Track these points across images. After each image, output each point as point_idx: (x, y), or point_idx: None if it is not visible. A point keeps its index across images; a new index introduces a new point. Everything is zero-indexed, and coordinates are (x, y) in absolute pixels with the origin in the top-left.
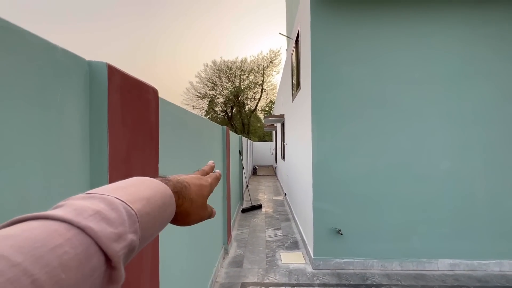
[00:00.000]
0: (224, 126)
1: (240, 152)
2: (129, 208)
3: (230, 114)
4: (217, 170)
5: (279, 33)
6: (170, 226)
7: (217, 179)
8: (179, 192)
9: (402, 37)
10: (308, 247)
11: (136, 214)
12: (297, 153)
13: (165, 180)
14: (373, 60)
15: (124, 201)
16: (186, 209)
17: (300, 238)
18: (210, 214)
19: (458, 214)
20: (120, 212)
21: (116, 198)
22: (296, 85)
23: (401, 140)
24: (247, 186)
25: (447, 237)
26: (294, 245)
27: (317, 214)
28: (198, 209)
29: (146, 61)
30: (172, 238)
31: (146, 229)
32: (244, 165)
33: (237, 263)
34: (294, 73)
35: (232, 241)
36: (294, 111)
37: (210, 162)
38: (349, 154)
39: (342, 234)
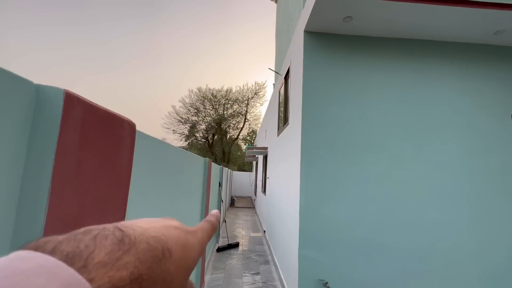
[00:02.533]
0: (207, 159)
1: (220, 184)
2: None
3: (211, 141)
4: (214, 211)
5: (269, 68)
6: None
7: (214, 229)
8: (149, 274)
9: (391, 84)
10: None
11: None
12: (281, 190)
13: (84, 246)
14: (362, 103)
15: None
16: None
17: (280, 287)
18: None
19: (447, 267)
20: None
21: None
22: (284, 120)
23: (389, 185)
24: (225, 220)
25: None
26: None
27: (303, 263)
28: None
29: (128, 83)
30: None
31: None
32: (223, 197)
33: None
34: (282, 107)
35: None
36: (280, 145)
37: (214, 212)
38: (338, 198)
39: None
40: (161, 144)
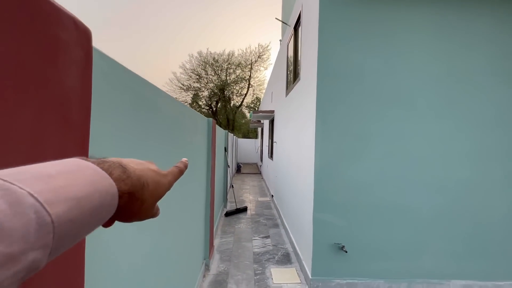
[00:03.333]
0: (210, 119)
1: (225, 149)
2: (45, 213)
3: (214, 108)
4: (183, 159)
5: (276, 18)
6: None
7: (181, 173)
8: (134, 193)
9: (422, 26)
10: (303, 263)
11: (52, 222)
12: (291, 153)
13: (112, 168)
14: (388, 51)
15: (41, 201)
16: (133, 210)
17: (292, 250)
18: (153, 215)
19: (474, 230)
20: (26, 219)
21: (30, 194)
22: (293, 77)
23: (414, 143)
24: (232, 186)
25: (460, 255)
26: (285, 258)
27: (318, 227)
28: (146, 211)
29: (130, 49)
30: (131, 249)
31: (64, 238)
32: (229, 163)
33: (220, 283)
34: (291, 64)
35: (215, 253)
36: (289, 105)
37: (184, 160)
38: (357, 158)
39: (346, 252)
40: (149, 87)
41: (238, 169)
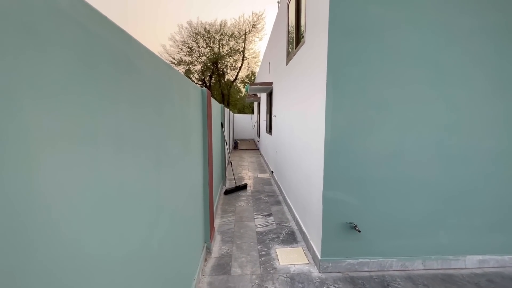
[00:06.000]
0: (205, 89)
1: (222, 125)
2: None
3: (208, 83)
4: None
5: None
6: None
7: None
8: None
9: None
10: (311, 242)
11: None
12: (295, 127)
13: None
14: (412, 1)
15: None
16: None
17: (296, 227)
18: None
19: (495, 204)
20: None
21: None
22: (296, 41)
23: (439, 111)
24: (230, 163)
25: (477, 229)
26: (291, 237)
27: (328, 206)
28: None
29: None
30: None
31: None
32: (227, 139)
33: (223, 266)
34: (292, 27)
35: (216, 234)
36: (290, 74)
37: None
38: (373, 128)
39: (360, 232)
40: (115, 30)
41: (235, 145)
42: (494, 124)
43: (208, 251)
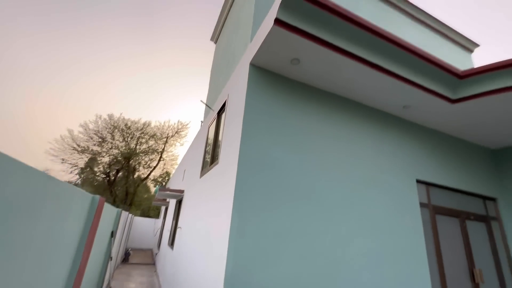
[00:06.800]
0: (97, 197)
1: (112, 234)
2: None
3: (113, 178)
4: None
5: (201, 101)
6: None
7: None
8: None
9: (330, 134)
10: None
11: None
12: (198, 246)
13: None
14: (302, 150)
15: None
16: None
17: None
18: None
19: None
20: None
21: None
22: (211, 159)
23: (326, 243)
24: (109, 287)
25: None
26: None
27: None
28: None
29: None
30: None
31: None
32: (113, 253)
33: None
34: (210, 146)
35: None
36: (202, 189)
37: None
38: (274, 259)
39: None
40: None
41: (126, 257)
42: (364, 258)
43: None
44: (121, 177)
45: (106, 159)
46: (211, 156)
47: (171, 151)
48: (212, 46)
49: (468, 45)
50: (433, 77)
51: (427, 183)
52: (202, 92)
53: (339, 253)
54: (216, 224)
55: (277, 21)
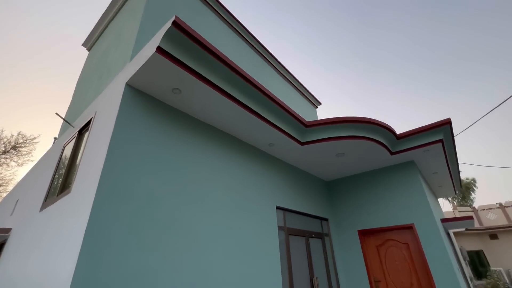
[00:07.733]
0: None
1: None
2: None
3: None
4: None
5: (56, 113)
6: None
7: None
8: None
9: (206, 164)
10: None
11: None
12: None
13: None
14: (178, 178)
15: None
16: None
17: None
18: None
19: None
20: None
21: None
22: (61, 188)
23: (199, 274)
24: None
25: None
26: None
27: None
28: None
29: None
30: None
31: None
32: None
33: None
34: (63, 170)
35: None
36: (43, 226)
37: None
38: None
39: None
40: None
41: None
42: (237, 280)
43: None
44: None
45: None
46: (63, 183)
47: (2, 173)
48: (84, 52)
49: (314, 102)
50: (289, 123)
51: (284, 208)
52: (62, 103)
53: (210, 284)
54: (55, 275)
55: (160, 49)
